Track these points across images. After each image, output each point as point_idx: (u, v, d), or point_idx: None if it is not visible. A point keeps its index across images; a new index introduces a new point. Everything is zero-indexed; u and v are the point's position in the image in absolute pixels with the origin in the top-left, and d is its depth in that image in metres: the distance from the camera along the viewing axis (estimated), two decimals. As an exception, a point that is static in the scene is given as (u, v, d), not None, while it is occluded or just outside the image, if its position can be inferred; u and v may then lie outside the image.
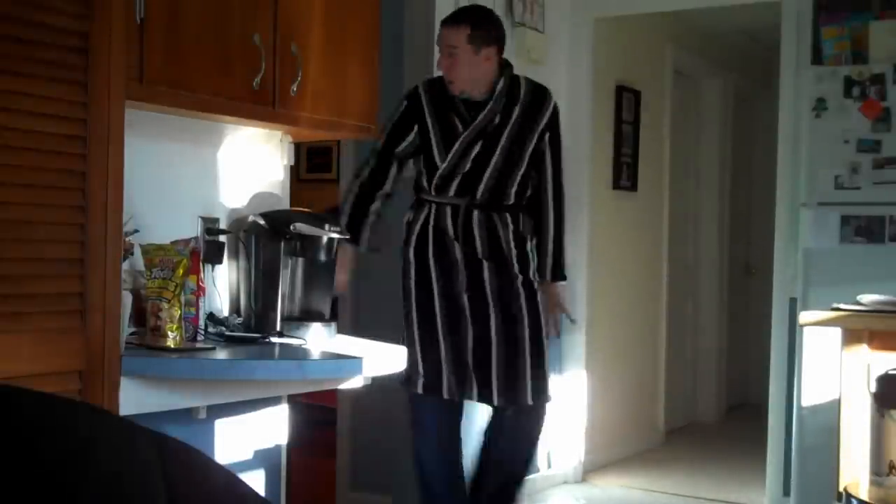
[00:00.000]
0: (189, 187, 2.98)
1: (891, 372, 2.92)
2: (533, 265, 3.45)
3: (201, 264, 2.80)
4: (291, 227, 2.99)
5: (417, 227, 3.45)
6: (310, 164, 6.65)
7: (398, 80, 4.12)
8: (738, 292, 7.37)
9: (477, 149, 3.38)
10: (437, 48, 3.48)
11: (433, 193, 3.44)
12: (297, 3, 2.94)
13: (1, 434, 0.75)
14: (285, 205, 3.31)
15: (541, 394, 3.41)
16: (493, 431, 3.51)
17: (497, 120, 3.39)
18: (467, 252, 3.37)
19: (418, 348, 3.43)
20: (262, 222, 3.02)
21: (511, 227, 3.41)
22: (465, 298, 3.38)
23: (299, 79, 2.92)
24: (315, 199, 4.93)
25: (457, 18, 3.43)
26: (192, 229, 2.88)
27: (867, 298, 3.19)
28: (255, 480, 3.16)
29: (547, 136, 3.45)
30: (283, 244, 3.00)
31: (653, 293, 6.11)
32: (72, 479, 0.74)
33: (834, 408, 3.27)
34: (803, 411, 4.11)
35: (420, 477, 3.57)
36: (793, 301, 4.38)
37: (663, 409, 6.26)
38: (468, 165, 3.38)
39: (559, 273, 3.52)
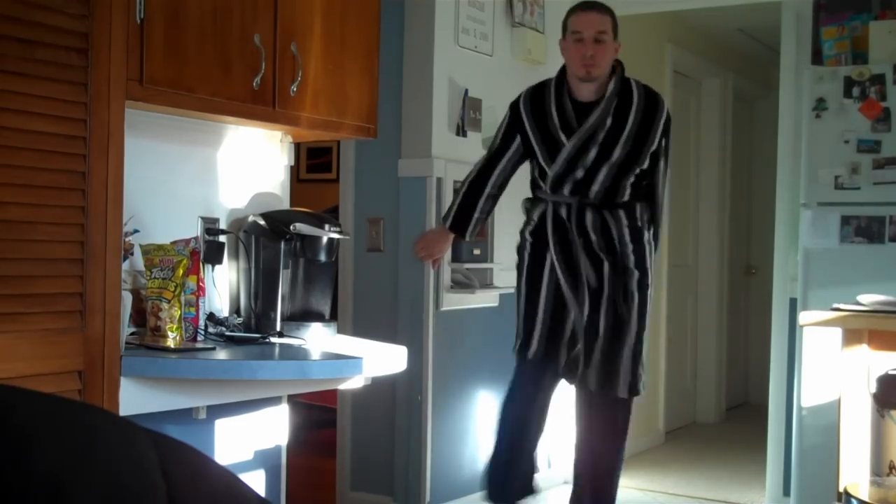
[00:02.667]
0: (189, 187, 2.98)
1: (891, 372, 2.92)
2: (651, 255, 3.43)
3: (201, 264, 2.81)
4: (291, 227, 2.99)
5: (536, 217, 3.43)
6: (310, 164, 6.66)
7: (398, 81, 4.13)
8: (738, 292, 7.37)
9: (591, 157, 3.31)
10: (567, 34, 3.37)
11: (548, 192, 3.39)
12: (297, 4, 2.94)
13: (0, 434, 0.75)
14: (285, 205, 3.31)
15: (634, 388, 3.40)
16: (581, 428, 3.49)
17: (609, 123, 3.31)
18: (585, 245, 3.35)
19: (522, 318, 3.44)
20: (262, 222, 3.02)
21: (626, 221, 3.37)
22: (585, 285, 3.36)
23: (299, 79, 2.92)
24: (315, 199, 4.94)
25: (599, 6, 3.39)
26: (192, 229, 2.88)
27: (867, 298, 3.19)
28: (255, 480, 3.16)
29: (662, 141, 3.38)
30: (283, 244, 3.00)
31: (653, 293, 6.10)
32: (71, 479, 0.74)
33: (834, 408, 3.27)
34: (803, 411, 4.11)
35: (499, 439, 3.55)
36: (793, 301, 4.38)
37: (663, 409, 6.27)
38: (580, 173, 3.32)
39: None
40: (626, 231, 3.37)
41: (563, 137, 3.34)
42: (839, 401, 3.15)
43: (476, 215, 3.52)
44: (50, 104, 2.21)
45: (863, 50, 4.16)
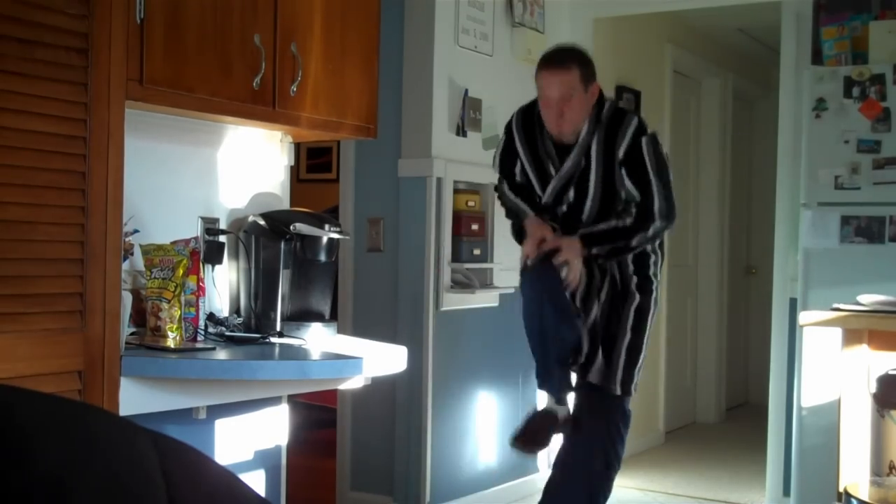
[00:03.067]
0: (189, 187, 2.98)
1: (891, 372, 2.92)
2: (655, 264, 3.39)
3: (201, 264, 2.80)
4: (291, 227, 2.99)
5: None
6: (310, 164, 6.66)
7: (398, 81, 4.13)
8: (738, 292, 7.37)
9: (570, 196, 3.29)
10: (538, 88, 3.25)
11: (543, 212, 3.36)
12: (297, 4, 2.94)
13: (0, 434, 0.75)
14: (285, 205, 3.31)
15: (626, 387, 3.36)
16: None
17: (583, 163, 3.24)
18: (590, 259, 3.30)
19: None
20: (262, 222, 3.02)
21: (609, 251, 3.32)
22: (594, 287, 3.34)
23: (299, 79, 2.92)
24: (315, 199, 4.94)
25: (563, 61, 3.21)
26: (192, 229, 2.88)
27: (867, 298, 3.19)
28: (255, 480, 3.16)
29: (634, 155, 3.18)
30: (283, 244, 3.00)
31: (653, 293, 6.10)
32: (72, 479, 0.74)
33: (834, 408, 3.27)
34: (803, 411, 4.11)
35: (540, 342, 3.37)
36: (793, 301, 4.38)
37: (663, 409, 6.27)
38: (564, 208, 3.31)
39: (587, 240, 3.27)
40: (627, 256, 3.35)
41: (551, 169, 3.30)
42: (839, 401, 3.15)
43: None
44: (50, 104, 2.21)
45: (863, 50, 4.16)
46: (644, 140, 3.19)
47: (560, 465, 3.45)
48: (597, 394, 3.40)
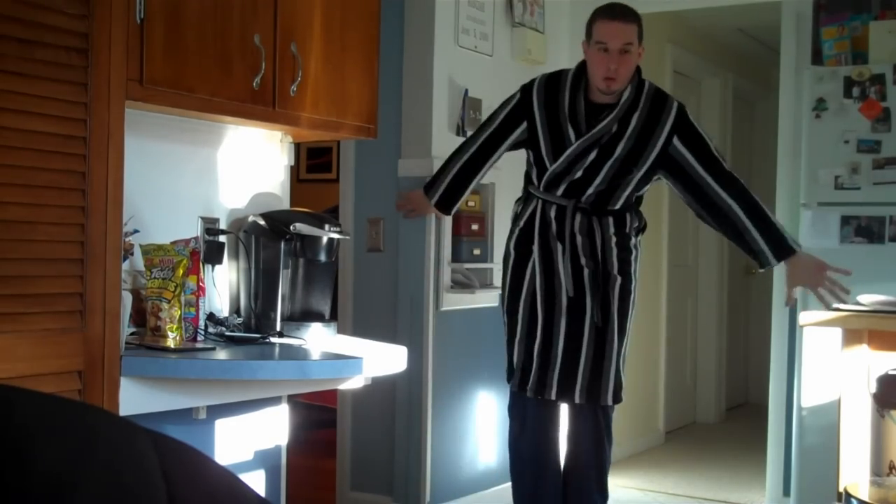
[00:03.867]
0: (189, 187, 2.98)
1: (891, 372, 2.92)
2: (636, 261, 3.39)
3: (201, 264, 2.81)
4: (291, 227, 2.99)
5: (522, 223, 3.40)
6: (310, 164, 6.66)
7: (398, 81, 4.13)
8: (738, 292, 7.37)
9: (591, 157, 3.27)
10: (591, 41, 3.26)
11: (541, 190, 3.35)
12: (297, 4, 2.94)
13: (0, 434, 0.75)
14: (285, 205, 3.31)
15: (617, 395, 3.38)
16: (569, 432, 3.46)
17: (614, 129, 3.26)
18: (569, 250, 3.30)
19: (513, 342, 3.43)
20: (262, 222, 3.02)
21: (613, 228, 3.32)
22: (563, 294, 3.31)
23: (299, 79, 2.92)
24: (315, 199, 4.94)
25: (625, 14, 3.24)
26: (192, 229, 2.88)
27: (867, 298, 3.19)
28: (255, 480, 3.16)
29: (676, 139, 3.28)
30: (283, 244, 3.00)
31: (653, 293, 6.11)
32: (71, 479, 0.74)
33: (834, 408, 3.27)
34: (803, 411, 4.11)
35: (515, 471, 3.53)
36: (793, 301, 4.38)
37: (663, 409, 6.27)
38: (579, 173, 3.28)
39: (790, 245, 3.37)
40: (613, 237, 3.33)
41: (571, 134, 3.29)
42: (839, 401, 3.15)
43: (465, 195, 3.59)
44: (50, 104, 2.21)
45: (863, 50, 4.16)
46: (690, 115, 3.33)
47: (572, 477, 3.46)
48: (584, 415, 3.39)
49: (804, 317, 3.29)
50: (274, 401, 3.18)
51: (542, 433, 3.44)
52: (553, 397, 3.36)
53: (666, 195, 6.22)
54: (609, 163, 3.27)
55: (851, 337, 3.10)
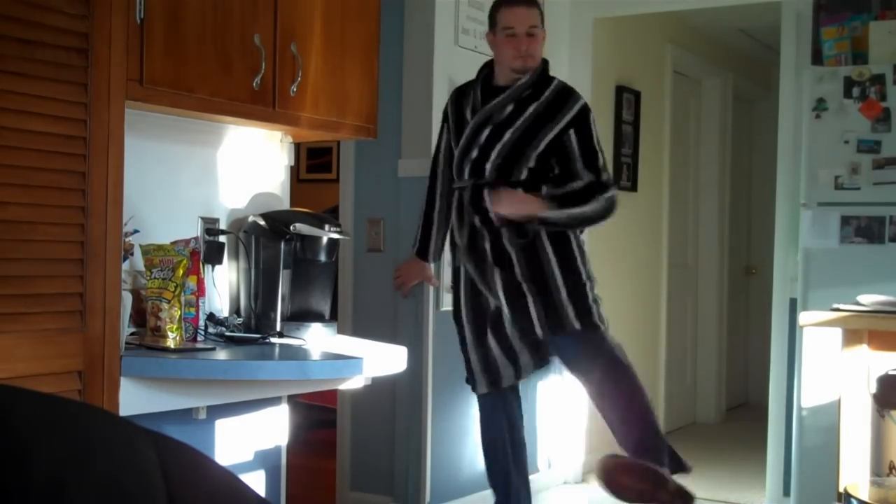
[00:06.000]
0: (189, 187, 2.98)
1: (891, 372, 2.92)
2: (561, 210, 3.38)
3: (201, 264, 2.80)
4: (291, 228, 2.99)
5: (453, 215, 3.53)
6: (310, 164, 6.65)
7: (398, 81, 4.12)
8: (738, 292, 7.37)
9: (485, 134, 3.41)
10: (498, 29, 3.43)
11: (456, 180, 3.51)
12: (297, 4, 2.94)
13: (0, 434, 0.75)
14: (285, 205, 3.31)
15: (586, 317, 3.35)
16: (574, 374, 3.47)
17: (509, 109, 3.40)
18: (484, 223, 3.40)
19: (466, 346, 3.56)
20: (262, 222, 3.02)
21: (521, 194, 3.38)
22: (490, 264, 3.40)
23: (299, 79, 2.92)
24: (315, 199, 4.94)
25: (525, 1, 3.44)
26: (192, 229, 2.88)
27: (867, 299, 3.19)
28: (255, 480, 3.16)
29: (572, 132, 3.37)
30: (283, 244, 3.00)
31: (653, 293, 6.11)
32: (71, 479, 0.74)
33: (834, 408, 3.27)
34: (803, 411, 4.11)
35: (493, 470, 3.63)
36: (793, 301, 4.38)
37: (663, 409, 6.26)
38: (475, 152, 3.42)
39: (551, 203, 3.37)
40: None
41: (468, 117, 3.46)
42: (839, 401, 3.15)
43: (433, 235, 3.64)
44: (50, 104, 2.21)
45: (863, 50, 4.16)
46: (591, 117, 3.42)
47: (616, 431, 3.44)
48: (568, 351, 3.39)
49: (804, 317, 3.29)
50: (274, 401, 3.18)
51: (506, 428, 3.61)
52: (527, 372, 3.50)
53: (666, 195, 6.22)
54: (502, 142, 3.37)
55: (851, 337, 3.10)
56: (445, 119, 3.62)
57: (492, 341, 3.50)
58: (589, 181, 3.36)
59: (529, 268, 3.37)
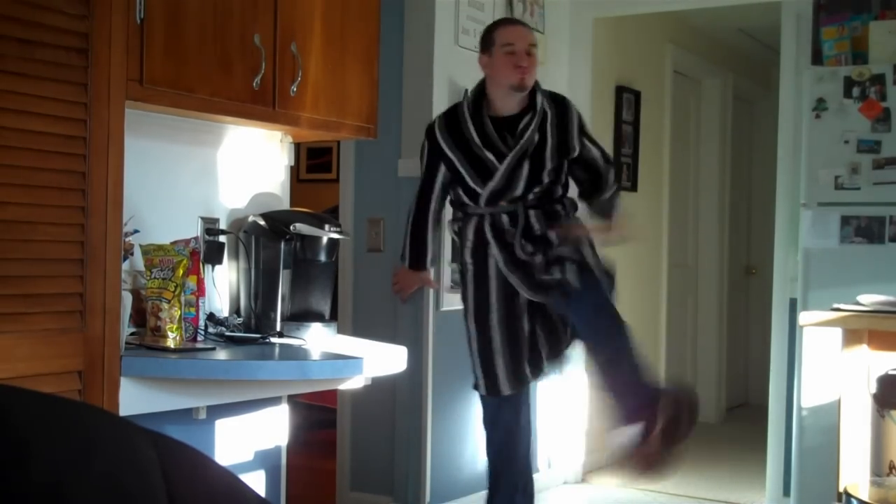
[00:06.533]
0: (189, 187, 2.98)
1: (891, 372, 2.92)
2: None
3: (201, 264, 2.80)
4: (291, 228, 2.99)
5: (471, 232, 3.42)
6: (310, 164, 6.65)
7: (398, 81, 4.13)
8: (738, 292, 7.37)
9: (525, 170, 3.35)
10: (495, 48, 3.39)
11: (483, 207, 3.40)
12: (297, 4, 2.94)
13: (0, 434, 0.75)
14: (285, 205, 3.31)
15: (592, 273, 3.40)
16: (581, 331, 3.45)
17: (536, 139, 3.36)
18: (524, 233, 3.37)
19: (479, 357, 3.43)
20: (262, 222, 3.02)
21: (563, 213, 3.43)
22: (523, 292, 3.38)
23: (299, 79, 2.92)
24: (315, 199, 4.94)
25: (524, 22, 3.51)
26: (192, 229, 2.88)
27: (867, 299, 3.19)
28: (255, 480, 3.16)
29: (585, 139, 3.45)
30: (283, 244, 3.00)
31: (653, 293, 6.11)
32: (71, 479, 0.74)
33: (834, 408, 3.27)
34: (803, 412, 4.11)
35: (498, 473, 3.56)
36: (793, 301, 4.38)
37: (663, 409, 6.26)
38: (519, 190, 3.35)
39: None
40: (556, 215, 3.42)
41: (490, 156, 3.35)
42: (839, 401, 3.15)
43: (428, 247, 3.59)
44: (50, 104, 2.21)
45: (863, 50, 4.16)
46: (583, 120, 3.50)
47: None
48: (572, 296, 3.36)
49: (804, 317, 3.29)
50: (274, 401, 3.18)
51: (512, 432, 3.54)
52: (543, 371, 3.48)
53: (666, 195, 6.22)
54: (545, 172, 3.37)
55: (851, 337, 3.10)
56: (437, 154, 3.44)
57: (524, 332, 3.43)
58: (609, 178, 3.52)
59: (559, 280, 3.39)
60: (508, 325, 3.41)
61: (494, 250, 3.39)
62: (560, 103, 3.46)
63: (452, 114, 3.48)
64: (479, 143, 3.36)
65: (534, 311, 3.42)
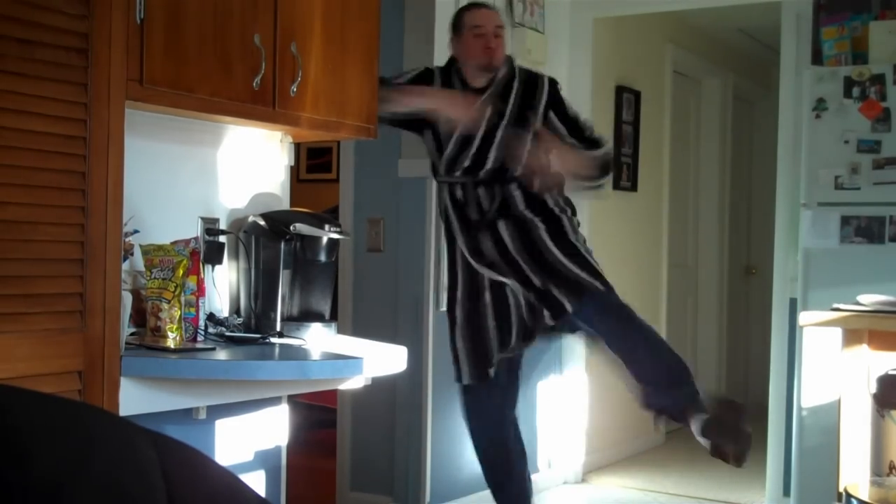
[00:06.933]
0: (189, 187, 2.98)
1: (891, 372, 2.92)
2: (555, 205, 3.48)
3: (201, 264, 2.80)
4: (291, 228, 2.99)
5: (441, 205, 3.55)
6: (310, 164, 6.65)
7: (398, 81, 4.12)
8: (738, 292, 7.37)
9: (476, 143, 3.43)
10: (464, 30, 3.49)
11: (444, 175, 3.51)
12: (297, 4, 2.94)
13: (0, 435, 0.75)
14: (285, 205, 3.31)
15: (601, 283, 3.34)
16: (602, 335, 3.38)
17: (489, 111, 3.43)
18: (483, 216, 3.43)
19: (458, 337, 3.52)
20: (262, 222, 3.02)
21: (519, 191, 3.44)
22: (491, 252, 3.43)
23: (299, 79, 2.92)
24: (315, 199, 4.94)
25: (489, 5, 3.56)
26: (192, 229, 2.88)
27: (867, 299, 3.19)
28: (255, 480, 3.16)
29: (551, 113, 3.49)
30: (283, 244, 3.00)
31: (653, 293, 6.11)
32: (70, 480, 0.74)
33: (834, 408, 3.27)
34: (803, 411, 4.11)
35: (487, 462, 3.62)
36: (793, 301, 4.38)
37: (663, 409, 6.26)
38: (468, 161, 3.43)
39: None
40: (521, 197, 3.43)
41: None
42: (839, 401, 3.15)
43: None
44: (50, 104, 2.21)
45: (863, 50, 4.16)
46: (558, 87, 3.55)
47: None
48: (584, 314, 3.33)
49: (804, 317, 3.29)
50: (274, 401, 3.18)
51: (497, 420, 3.59)
52: (543, 328, 3.44)
53: (666, 195, 6.22)
54: (493, 147, 3.42)
55: (851, 337, 3.10)
56: (428, 78, 3.56)
57: (488, 312, 3.47)
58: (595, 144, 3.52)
59: (531, 254, 3.42)
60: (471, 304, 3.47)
61: (455, 226, 3.47)
62: (530, 80, 3.52)
63: (425, 74, 3.58)
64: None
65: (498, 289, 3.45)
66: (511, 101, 3.47)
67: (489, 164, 3.43)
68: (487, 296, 3.46)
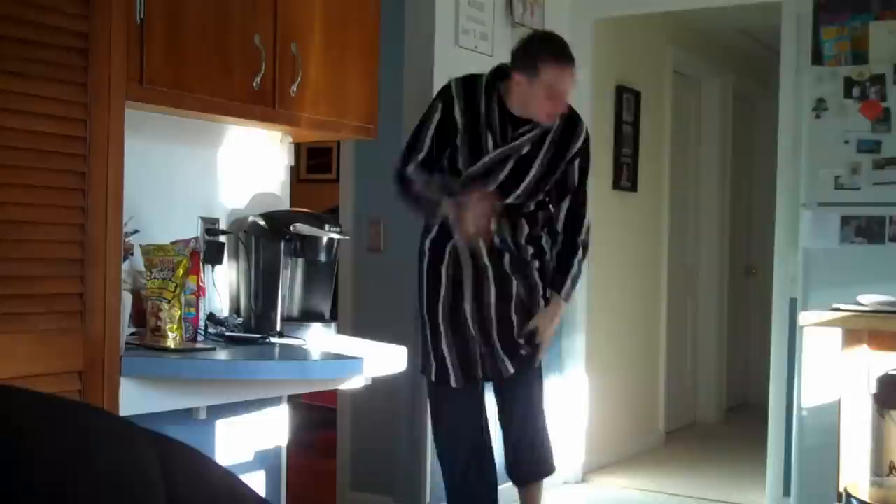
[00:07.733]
0: (189, 187, 2.98)
1: (891, 372, 2.92)
2: (548, 263, 3.50)
3: (201, 264, 2.80)
4: (291, 228, 2.99)
5: (439, 222, 3.45)
6: (310, 164, 6.65)
7: (398, 80, 4.12)
8: (738, 292, 7.37)
9: (508, 168, 3.36)
10: (537, 81, 3.29)
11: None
12: (297, 4, 2.94)
13: (0, 434, 0.75)
14: (285, 205, 3.31)
15: (536, 358, 3.53)
16: (507, 409, 3.60)
17: (528, 147, 3.37)
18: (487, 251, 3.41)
19: (431, 345, 3.50)
20: (262, 222, 3.02)
21: (527, 228, 3.44)
22: (490, 284, 3.42)
23: (299, 79, 2.92)
24: (315, 199, 4.94)
25: (571, 56, 3.32)
26: (192, 229, 2.88)
27: (867, 299, 3.19)
28: (255, 480, 3.16)
29: (576, 162, 3.45)
30: (283, 244, 3.00)
31: (653, 293, 6.11)
32: (71, 480, 0.74)
33: (834, 408, 3.27)
34: (803, 412, 4.11)
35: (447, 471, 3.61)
36: (793, 301, 4.38)
37: (663, 409, 6.27)
38: (494, 186, 3.35)
39: (560, 289, 3.51)
40: (526, 235, 3.44)
41: (489, 140, 3.36)
42: (839, 401, 3.15)
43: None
44: (50, 104, 2.21)
45: (863, 50, 4.16)
46: (590, 145, 3.49)
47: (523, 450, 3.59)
48: (519, 378, 3.51)
49: (804, 317, 3.29)
50: (274, 401, 3.18)
51: (463, 426, 3.62)
52: (485, 376, 3.53)
53: (666, 195, 6.22)
54: (526, 181, 3.38)
55: (851, 337, 3.10)
56: (449, 108, 3.39)
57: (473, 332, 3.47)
58: (574, 244, 3.48)
59: (525, 286, 3.47)
60: (458, 333, 3.46)
61: (448, 254, 3.43)
62: (571, 120, 3.44)
63: (471, 81, 3.45)
64: (485, 121, 3.37)
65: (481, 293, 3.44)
66: (547, 143, 3.39)
67: (510, 199, 3.37)
68: (467, 307, 3.45)
